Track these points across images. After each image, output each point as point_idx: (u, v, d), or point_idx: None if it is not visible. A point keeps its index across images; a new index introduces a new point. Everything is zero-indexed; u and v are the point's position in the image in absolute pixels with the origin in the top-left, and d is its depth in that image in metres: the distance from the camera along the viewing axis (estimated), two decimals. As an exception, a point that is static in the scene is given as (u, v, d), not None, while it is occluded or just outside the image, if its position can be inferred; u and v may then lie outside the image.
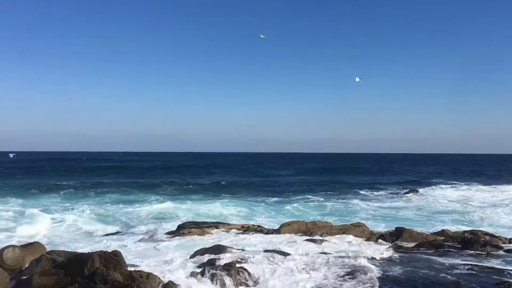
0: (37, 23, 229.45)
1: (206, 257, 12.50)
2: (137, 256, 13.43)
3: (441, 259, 12.57)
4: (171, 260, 12.70)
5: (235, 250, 13.34)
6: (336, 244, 15.25)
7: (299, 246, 14.66)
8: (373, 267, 11.58)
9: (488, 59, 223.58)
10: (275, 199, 31.36)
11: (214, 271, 10.07)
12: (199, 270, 10.66)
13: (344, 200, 30.07)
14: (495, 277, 10.48)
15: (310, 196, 32.74)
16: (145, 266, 11.32)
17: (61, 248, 12.97)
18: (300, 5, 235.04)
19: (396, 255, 13.26)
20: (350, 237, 16.23)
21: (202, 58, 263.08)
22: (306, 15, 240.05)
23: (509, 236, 16.02)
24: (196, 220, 20.79)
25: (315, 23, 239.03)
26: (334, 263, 12.07)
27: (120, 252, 9.72)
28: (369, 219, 20.18)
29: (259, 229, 18.30)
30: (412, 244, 14.88)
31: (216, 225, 19.17)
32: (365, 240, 15.92)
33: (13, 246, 10.58)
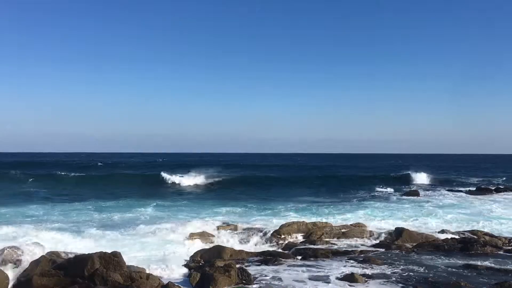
0: (37, 22, 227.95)
1: (206, 258, 12.53)
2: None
3: (441, 259, 12.59)
4: (171, 261, 12.72)
5: (234, 251, 13.36)
6: (335, 244, 15.28)
7: (297, 246, 14.69)
8: (372, 267, 11.61)
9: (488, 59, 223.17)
10: (275, 199, 31.36)
11: (213, 272, 10.09)
12: (198, 271, 10.68)
13: (343, 200, 30.06)
14: (495, 277, 10.49)
15: (310, 196, 32.73)
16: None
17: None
18: (302, 3, 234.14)
19: (396, 255, 13.27)
20: (350, 238, 16.25)
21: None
22: (306, 13, 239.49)
23: (509, 237, 16.03)
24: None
25: (316, 22, 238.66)
26: (334, 262, 12.10)
27: (120, 253, 9.74)
28: (368, 219, 20.14)
29: (259, 230, 18.27)
30: (412, 245, 14.88)
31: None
32: (365, 241, 15.95)
33: (12, 247, 10.60)
